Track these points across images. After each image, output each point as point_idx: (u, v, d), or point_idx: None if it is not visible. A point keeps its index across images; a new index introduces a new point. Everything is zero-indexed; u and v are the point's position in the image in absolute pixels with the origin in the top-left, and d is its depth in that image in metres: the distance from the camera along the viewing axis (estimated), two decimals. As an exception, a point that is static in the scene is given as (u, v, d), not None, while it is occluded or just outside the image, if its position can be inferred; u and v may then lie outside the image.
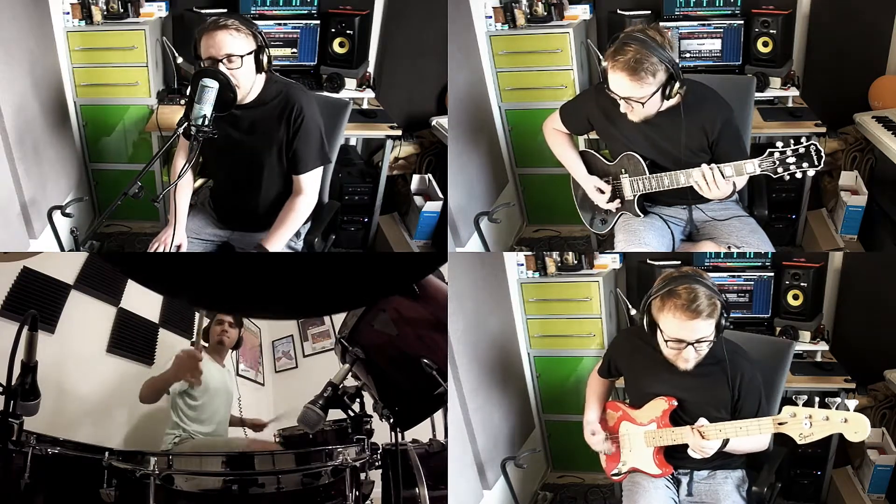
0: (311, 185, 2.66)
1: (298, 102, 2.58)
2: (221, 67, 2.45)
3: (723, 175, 2.43)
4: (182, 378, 3.26)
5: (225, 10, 3.46)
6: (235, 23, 2.49)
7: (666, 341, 2.31)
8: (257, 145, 2.62)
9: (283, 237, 2.64)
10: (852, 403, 2.15)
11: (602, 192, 2.70)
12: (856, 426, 2.14)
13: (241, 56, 2.48)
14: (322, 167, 2.69)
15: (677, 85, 2.40)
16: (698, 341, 2.27)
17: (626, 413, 2.55)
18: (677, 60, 2.42)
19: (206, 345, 3.66)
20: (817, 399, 2.22)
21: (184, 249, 2.66)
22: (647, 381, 2.49)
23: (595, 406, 2.65)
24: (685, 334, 2.27)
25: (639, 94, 2.39)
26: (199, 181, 2.87)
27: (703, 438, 2.30)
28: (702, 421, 2.33)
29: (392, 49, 3.64)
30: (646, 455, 2.48)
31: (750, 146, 2.76)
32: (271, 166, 2.65)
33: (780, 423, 2.23)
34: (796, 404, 2.22)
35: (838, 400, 2.18)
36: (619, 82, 2.40)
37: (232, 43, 2.47)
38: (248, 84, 2.54)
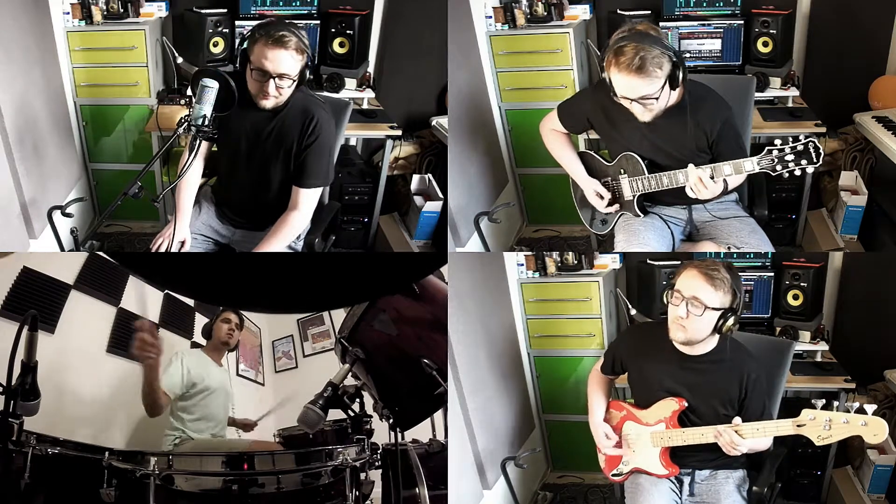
0: (307, 203, 2.68)
1: (318, 118, 2.62)
2: (271, 83, 2.50)
3: (723, 173, 2.43)
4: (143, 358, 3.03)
5: (224, 10, 3.46)
6: (296, 42, 2.51)
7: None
8: (272, 148, 2.64)
9: (274, 248, 2.65)
10: (871, 408, 2.16)
11: (601, 197, 2.70)
12: (875, 429, 2.17)
13: (294, 79, 2.54)
14: (322, 188, 2.71)
15: (681, 73, 2.38)
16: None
17: (631, 413, 2.54)
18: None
19: (205, 343, 3.66)
20: (836, 403, 2.23)
21: (187, 246, 2.66)
22: (653, 376, 2.48)
23: (600, 405, 2.63)
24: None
25: (651, 91, 2.36)
26: (201, 180, 2.88)
27: (742, 437, 2.30)
28: (737, 420, 2.33)
29: (392, 49, 3.64)
30: (652, 455, 2.47)
31: (750, 146, 2.76)
32: (279, 170, 2.67)
33: (799, 426, 2.25)
34: (814, 407, 2.23)
35: (857, 404, 2.19)
36: (628, 84, 2.37)
37: (290, 64, 2.52)
38: (287, 97, 2.58)
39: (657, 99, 2.38)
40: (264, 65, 2.50)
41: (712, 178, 2.43)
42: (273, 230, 2.66)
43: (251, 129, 2.62)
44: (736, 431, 2.31)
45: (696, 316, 2.31)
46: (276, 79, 2.51)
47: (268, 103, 2.56)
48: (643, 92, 2.37)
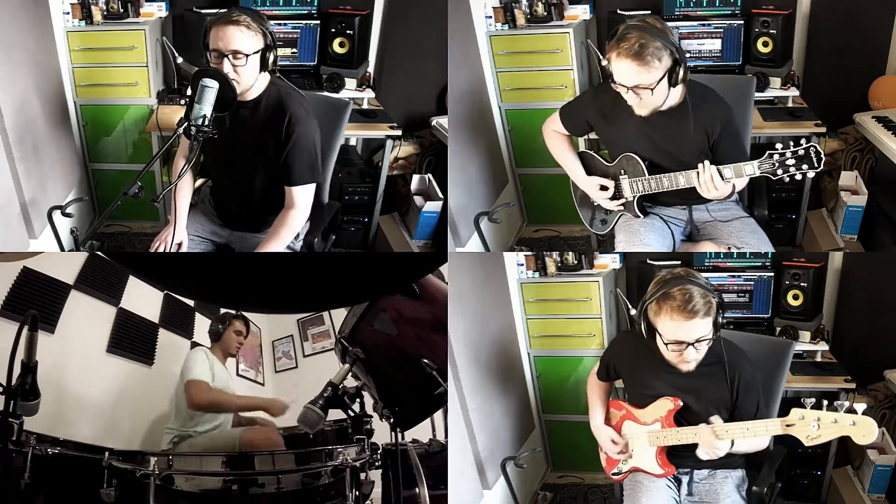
0: (302, 200, 2.64)
1: (293, 112, 2.56)
2: (225, 62, 2.46)
3: (722, 177, 2.43)
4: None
5: (225, 10, 3.46)
6: (247, 19, 2.49)
7: (666, 344, 2.31)
8: (250, 146, 2.62)
9: (275, 249, 2.63)
10: (861, 407, 2.15)
11: (605, 188, 2.69)
12: (864, 429, 2.14)
13: (248, 55, 2.48)
14: (313, 183, 2.66)
15: (682, 71, 2.37)
16: (698, 341, 2.28)
17: (630, 412, 2.54)
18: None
19: (210, 344, 3.67)
20: (825, 402, 2.21)
21: (184, 248, 2.66)
22: (647, 382, 2.48)
23: (600, 409, 2.64)
24: (683, 335, 2.28)
25: (647, 81, 2.36)
26: (200, 181, 2.88)
27: (717, 438, 2.30)
28: (716, 419, 2.33)
29: (392, 49, 3.64)
30: (649, 455, 2.47)
31: (750, 146, 2.76)
32: (264, 169, 2.64)
33: (788, 425, 2.23)
34: (804, 406, 2.22)
35: (846, 403, 2.18)
36: (625, 70, 2.36)
37: (241, 39, 2.48)
38: (250, 81, 2.54)
39: (652, 91, 2.38)
40: (217, 45, 2.47)
41: (723, 178, 2.42)
42: (272, 231, 2.64)
43: (228, 129, 2.57)
44: (715, 432, 2.30)
45: (704, 348, 2.33)
46: (231, 57, 2.46)
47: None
48: (639, 80, 2.36)
